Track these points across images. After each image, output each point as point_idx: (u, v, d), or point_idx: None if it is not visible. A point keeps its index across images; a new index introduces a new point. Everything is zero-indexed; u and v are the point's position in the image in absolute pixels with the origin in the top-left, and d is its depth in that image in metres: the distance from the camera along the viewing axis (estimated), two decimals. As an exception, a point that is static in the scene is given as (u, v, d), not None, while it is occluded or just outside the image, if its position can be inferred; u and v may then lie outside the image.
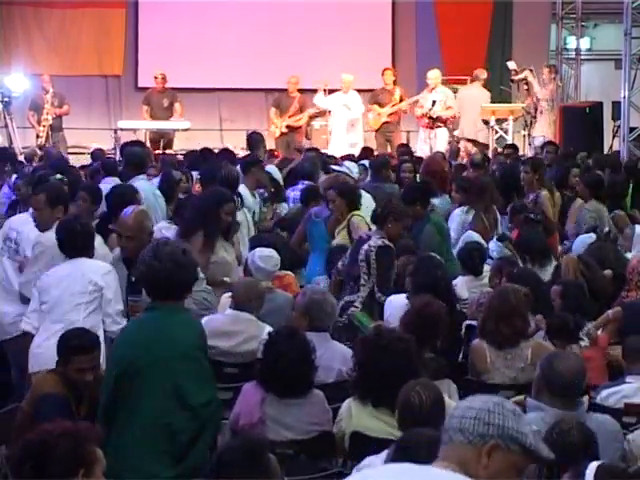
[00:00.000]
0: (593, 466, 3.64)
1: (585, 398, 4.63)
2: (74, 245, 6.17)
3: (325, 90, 16.09)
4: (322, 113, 16.36)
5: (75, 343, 5.12)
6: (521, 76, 16.42)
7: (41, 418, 4.61)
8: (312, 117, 16.44)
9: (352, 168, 10.12)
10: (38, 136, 16.03)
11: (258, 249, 7.09)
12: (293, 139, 15.87)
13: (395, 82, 16.30)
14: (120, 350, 4.76)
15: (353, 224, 8.19)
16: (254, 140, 11.85)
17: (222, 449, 3.52)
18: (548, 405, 4.42)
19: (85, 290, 5.95)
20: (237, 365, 6.09)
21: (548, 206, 9.51)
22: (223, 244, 7.24)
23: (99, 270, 6.05)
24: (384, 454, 4.00)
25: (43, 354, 5.77)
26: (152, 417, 4.49)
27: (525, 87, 16.46)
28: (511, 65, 16.75)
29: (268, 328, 6.25)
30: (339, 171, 10.04)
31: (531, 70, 16.31)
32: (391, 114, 15.98)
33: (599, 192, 9.59)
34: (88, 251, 6.21)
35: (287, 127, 15.95)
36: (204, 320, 6.57)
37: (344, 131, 15.76)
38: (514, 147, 14.02)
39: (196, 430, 4.49)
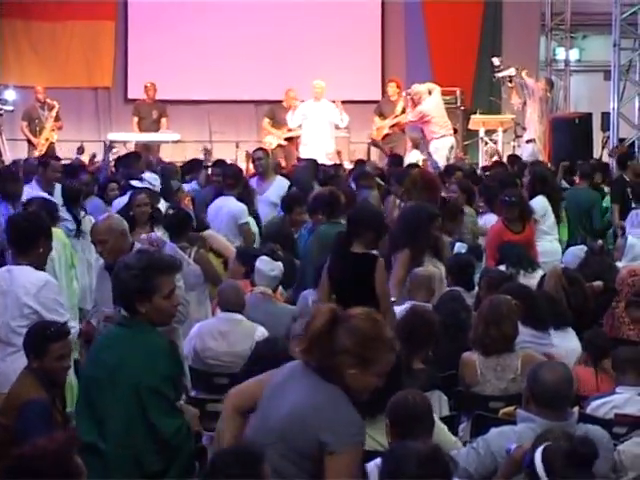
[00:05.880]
0: (539, 450, 3.69)
1: (575, 409, 4.60)
2: (18, 244, 5.93)
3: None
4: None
5: (51, 331, 5.06)
6: (505, 73, 16.37)
7: (28, 427, 4.55)
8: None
9: (152, 181, 9.94)
10: (35, 147, 15.92)
11: (265, 257, 7.23)
12: (290, 150, 15.82)
13: (399, 93, 16.22)
14: (86, 367, 4.60)
15: None
16: (168, 172, 10.77)
17: (216, 456, 3.47)
18: (537, 416, 4.40)
19: (22, 314, 5.72)
20: (228, 375, 6.07)
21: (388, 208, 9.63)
22: (431, 259, 7.34)
23: (31, 289, 5.73)
24: (379, 460, 3.99)
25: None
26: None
27: (510, 84, 16.41)
28: (496, 61, 16.74)
29: (261, 327, 6.35)
30: (139, 187, 9.38)
31: (517, 68, 16.20)
32: (393, 126, 15.94)
33: (472, 198, 9.95)
34: (33, 252, 5.85)
35: (286, 140, 15.90)
36: (197, 326, 6.59)
37: (320, 140, 15.20)
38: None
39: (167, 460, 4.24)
